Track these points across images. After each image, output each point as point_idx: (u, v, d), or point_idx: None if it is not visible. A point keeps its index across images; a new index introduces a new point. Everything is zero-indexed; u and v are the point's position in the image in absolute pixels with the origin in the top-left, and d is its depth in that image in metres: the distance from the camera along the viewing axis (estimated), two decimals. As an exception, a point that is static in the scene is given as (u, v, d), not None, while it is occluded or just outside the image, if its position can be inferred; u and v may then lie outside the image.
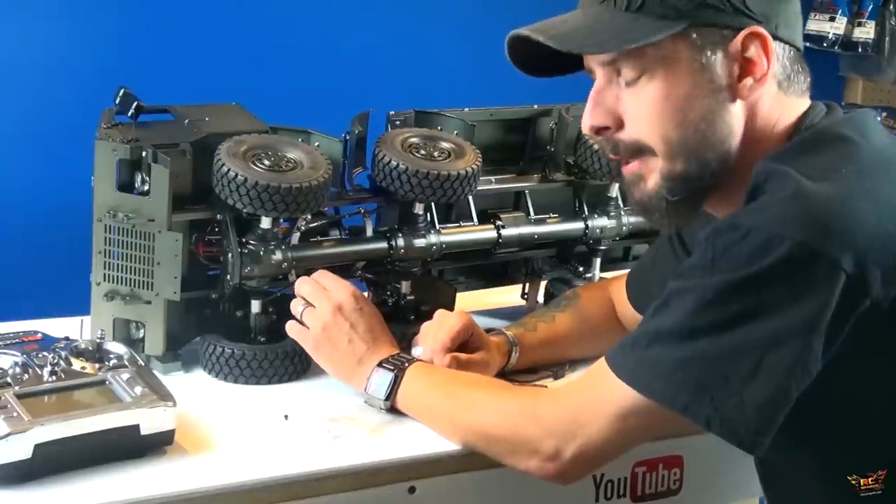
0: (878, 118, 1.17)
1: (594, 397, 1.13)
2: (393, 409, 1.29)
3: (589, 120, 1.14)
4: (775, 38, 1.11)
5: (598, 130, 1.15)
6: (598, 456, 1.15)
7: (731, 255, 1.03)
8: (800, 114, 1.14)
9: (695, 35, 1.09)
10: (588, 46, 1.11)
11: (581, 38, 1.11)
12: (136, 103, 1.39)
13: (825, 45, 3.28)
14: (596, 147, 1.62)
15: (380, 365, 1.30)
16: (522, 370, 1.44)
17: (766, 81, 1.11)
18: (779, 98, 1.13)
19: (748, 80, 1.10)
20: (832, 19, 3.28)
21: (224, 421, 1.27)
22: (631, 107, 1.12)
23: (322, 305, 1.34)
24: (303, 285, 1.37)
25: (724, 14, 1.08)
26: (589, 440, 1.12)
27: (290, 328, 1.37)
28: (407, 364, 1.30)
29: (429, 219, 1.55)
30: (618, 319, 1.50)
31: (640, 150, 1.13)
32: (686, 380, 1.04)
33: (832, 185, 1.03)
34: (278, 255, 1.41)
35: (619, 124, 1.13)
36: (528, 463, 1.16)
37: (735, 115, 1.11)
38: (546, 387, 1.41)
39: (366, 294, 1.57)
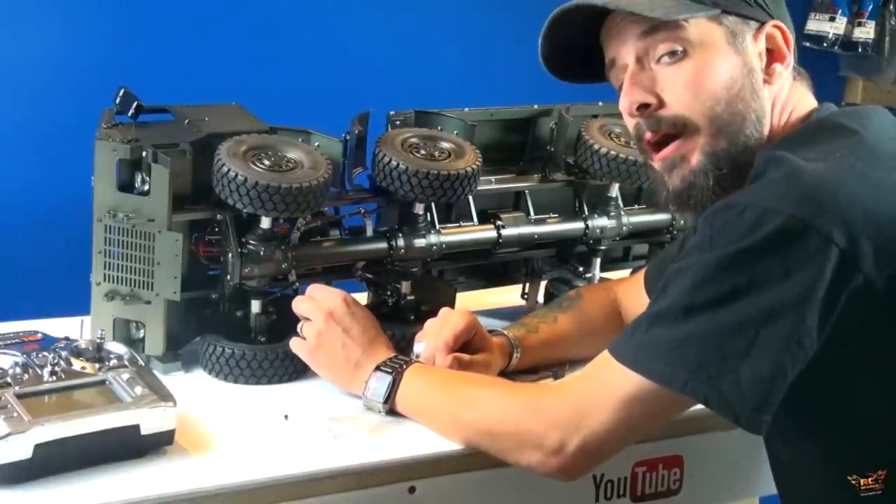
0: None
1: (597, 387, 1.13)
2: (392, 412, 1.29)
3: (630, 97, 1.19)
4: None
5: (640, 108, 1.19)
6: (602, 448, 1.15)
7: (727, 232, 1.05)
8: (810, 109, 1.21)
9: (727, 21, 1.16)
10: (636, 6, 1.15)
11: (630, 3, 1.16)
12: (136, 103, 1.39)
13: (825, 45, 3.27)
14: (596, 147, 1.63)
15: (377, 368, 1.30)
16: (522, 370, 1.44)
17: (789, 71, 1.19)
18: (795, 88, 1.21)
19: (776, 66, 1.17)
20: (832, 19, 3.27)
21: (224, 421, 1.27)
22: (671, 84, 1.17)
23: (314, 315, 1.35)
24: (299, 304, 1.37)
25: (749, 6, 1.17)
26: (593, 431, 1.12)
27: (292, 344, 1.37)
28: (404, 366, 1.30)
29: (429, 219, 1.55)
30: (621, 320, 1.50)
31: (683, 126, 1.17)
32: (685, 358, 1.05)
33: (826, 166, 1.07)
34: (278, 255, 1.41)
35: (660, 102, 1.18)
36: (532, 458, 1.16)
37: (766, 100, 1.18)
38: (546, 386, 1.41)
39: (365, 295, 1.57)
